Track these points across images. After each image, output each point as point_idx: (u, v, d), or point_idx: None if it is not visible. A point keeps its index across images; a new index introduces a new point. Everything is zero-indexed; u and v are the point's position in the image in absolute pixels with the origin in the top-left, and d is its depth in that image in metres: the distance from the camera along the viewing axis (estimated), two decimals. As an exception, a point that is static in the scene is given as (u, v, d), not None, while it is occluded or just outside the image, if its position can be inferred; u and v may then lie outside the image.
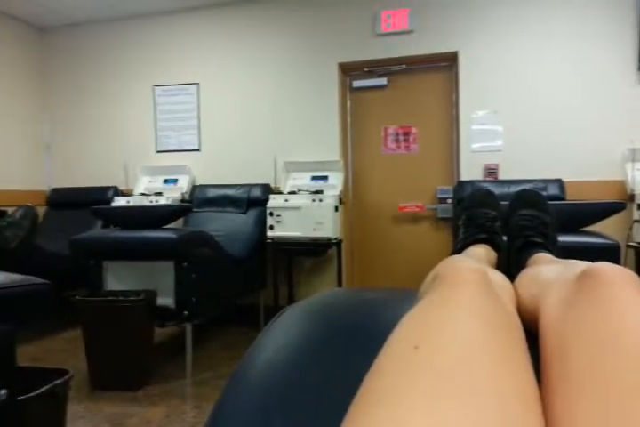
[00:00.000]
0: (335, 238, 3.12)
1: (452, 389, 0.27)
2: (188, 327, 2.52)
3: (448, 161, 3.55)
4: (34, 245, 2.76)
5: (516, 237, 0.74)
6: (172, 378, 2.50)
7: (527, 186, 2.99)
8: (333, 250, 3.31)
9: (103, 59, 4.24)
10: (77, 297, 2.36)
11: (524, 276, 0.55)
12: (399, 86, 3.64)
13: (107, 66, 4.23)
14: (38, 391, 1.34)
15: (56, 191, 4.18)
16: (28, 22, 4.22)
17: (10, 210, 2.82)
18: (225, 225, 3.49)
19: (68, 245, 2.59)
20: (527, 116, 3.30)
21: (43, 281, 1.19)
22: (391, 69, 3.63)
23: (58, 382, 1.43)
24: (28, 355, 2.82)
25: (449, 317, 0.35)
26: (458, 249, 0.73)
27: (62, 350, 2.93)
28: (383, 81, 3.64)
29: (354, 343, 0.58)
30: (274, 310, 3.39)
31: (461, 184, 3.19)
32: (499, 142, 3.34)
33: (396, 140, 3.65)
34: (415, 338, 0.33)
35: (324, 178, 3.45)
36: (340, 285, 3.25)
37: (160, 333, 2.95)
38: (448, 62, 3.53)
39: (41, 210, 3.76)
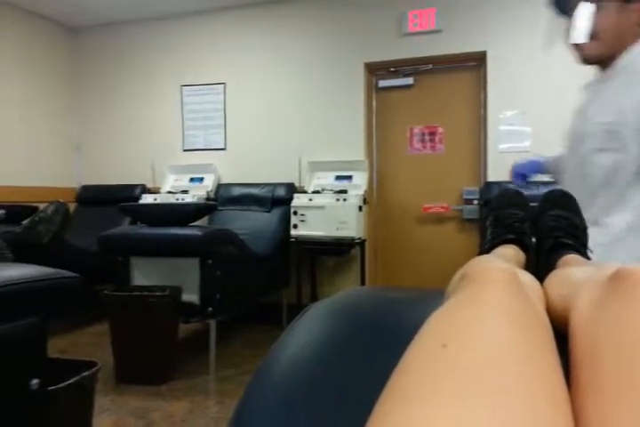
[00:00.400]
0: (359, 238, 3.12)
1: (479, 388, 0.27)
2: (212, 324, 2.55)
3: (475, 162, 3.51)
4: (64, 241, 2.83)
5: (545, 238, 0.73)
6: (196, 374, 2.53)
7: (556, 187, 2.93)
8: (357, 250, 3.30)
9: (132, 59, 4.32)
10: (105, 292, 2.41)
11: (554, 277, 0.54)
12: (425, 86, 3.62)
13: (136, 66, 4.31)
14: (67, 382, 1.38)
15: (85, 188, 4.27)
16: (58, 22, 4.32)
17: (41, 206, 2.91)
18: (249, 223, 3.52)
19: (95, 241, 2.65)
20: (555, 116, 3.23)
21: (73, 275, 1.22)
22: (418, 69, 3.61)
23: (86, 373, 1.47)
24: (57, 347, 2.89)
25: (477, 316, 0.35)
26: (485, 250, 0.73)
27: (90, 344, 2.99)
28: (409, 81, 3.62)
29: (378, 342, 0.58)
30: (297, 309, 3.39)
31: (488, 185, 3.15)
32: (526, 143, 3.29)
33: (422, 141, 3.63)
34: (443, 336, 0.33)
35: (349, 178, 3.45)
36: (363, 284, 3.24)
37: (184, 329, 2.99)
38: (476, 62, 3.49)
39: (71, 207, 3.86)
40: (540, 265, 0.70)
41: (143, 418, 2.02)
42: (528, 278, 0.52)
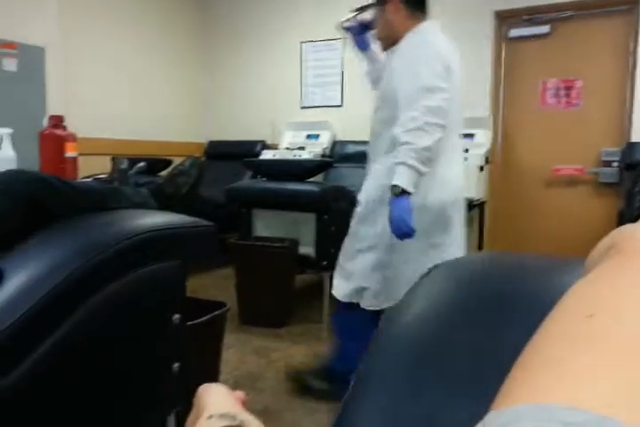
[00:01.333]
0: (478, 200, 3.01)
1: (632, 363, 0.26)
2: (326, 276, 2.66)
3: (617, 119, 3.16)
4: (198, 193, 3.07)
5: None
6: (311, 321, 2.68)
7: None
8: (475, 212, 3.19)
9: (255, 17, 4.38)
10: (231, 240, 2.61)
11: None
12: (564, 35, 3.27)
13: (258, 24, 4.37)
14: (203, 319, 1.54)
15: (212, 144, 4.55)
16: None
17: (175, 160, 3.15)
18: (363, 181, 3.52)
19: (220, 193, 2.83)
20: None
21: (210, 223, 1.34)
22: (555, 16, 3.26)
23: (218, 312, 1.62)
24: (188, 288, 3.20)
25: (630, 287, 0.33)
26: (634, 217, 0.67)
27: (215, 286, 3.27)
28: (545, 29, 3.30)
29: (508, 308, 0.57)
30: (408, 268, 3.41)
31: (632, 146, 2.84)
32: (684, 98, 2.88)
33: (557, 95, 3.32)
34: (589, 306, 0.32)
35: (470, 136, 3.28)
36: (480, 249, 3.15)
37: (299, 279, 3.14)
38: (627, 6, 3.07)
39: (200, 160, 4.13)
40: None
41: (265, 357, 2.21)
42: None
